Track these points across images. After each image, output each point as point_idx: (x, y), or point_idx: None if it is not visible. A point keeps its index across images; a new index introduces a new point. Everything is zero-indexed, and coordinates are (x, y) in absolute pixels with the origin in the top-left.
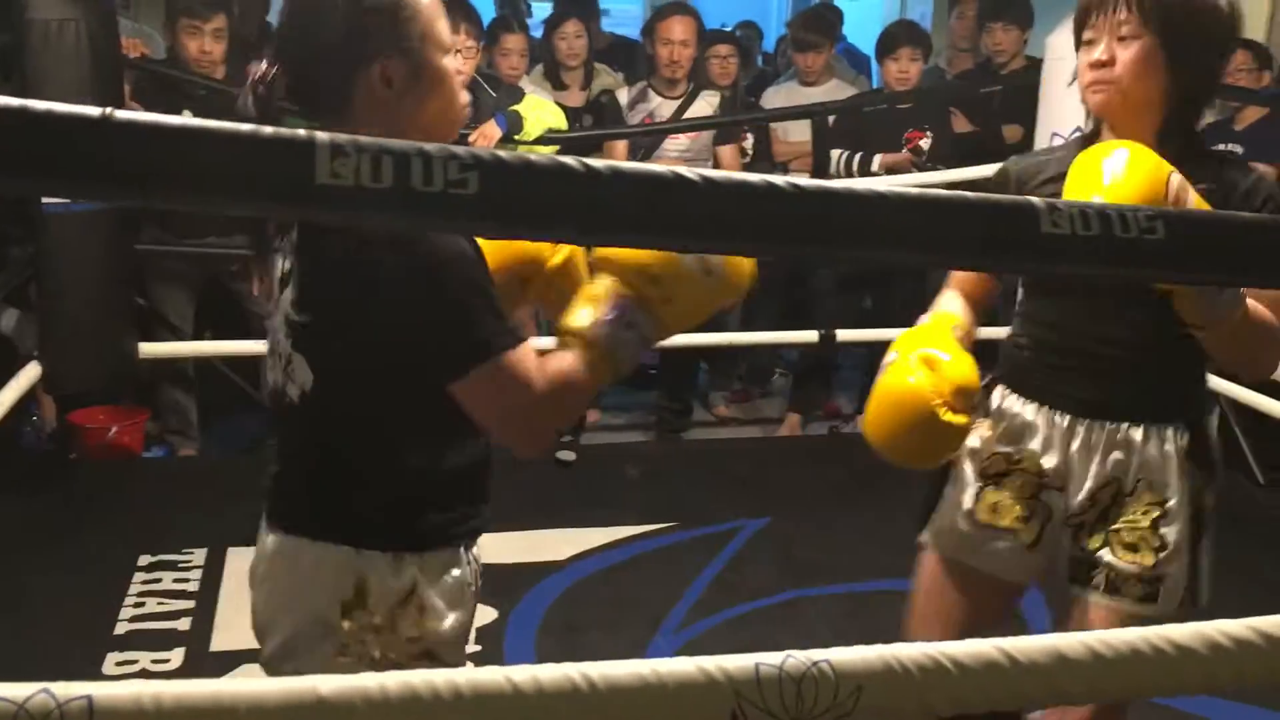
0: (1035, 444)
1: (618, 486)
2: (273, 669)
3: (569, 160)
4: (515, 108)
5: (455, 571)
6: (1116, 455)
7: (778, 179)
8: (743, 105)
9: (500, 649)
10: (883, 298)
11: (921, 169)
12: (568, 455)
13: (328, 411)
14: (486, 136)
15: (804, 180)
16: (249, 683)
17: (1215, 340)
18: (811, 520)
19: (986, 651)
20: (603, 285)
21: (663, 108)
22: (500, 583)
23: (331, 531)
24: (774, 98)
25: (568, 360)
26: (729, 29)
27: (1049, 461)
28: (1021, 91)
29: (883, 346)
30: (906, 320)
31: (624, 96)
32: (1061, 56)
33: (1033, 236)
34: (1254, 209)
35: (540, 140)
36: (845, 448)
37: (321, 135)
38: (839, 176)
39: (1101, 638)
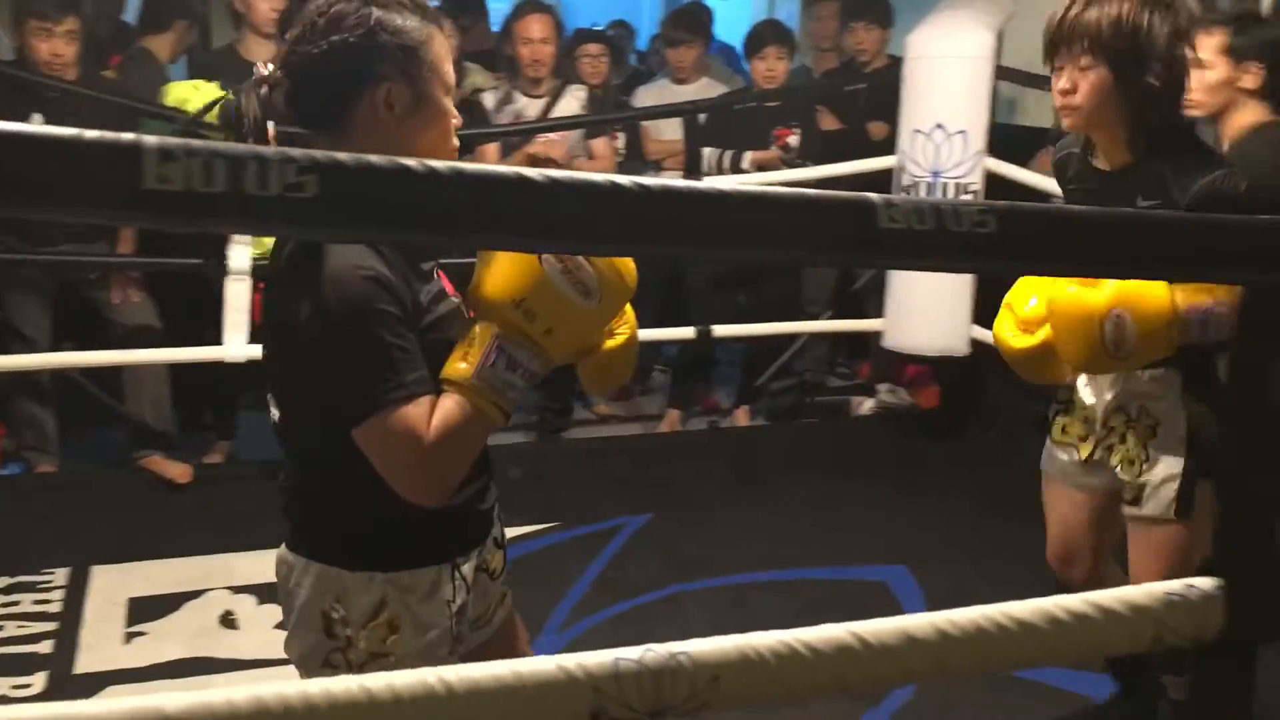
0: (1082, 380)
1: (499, 488)
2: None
3: (409, 161)
4: None
5: (435, 592)
6: (1123, 391)
7: (623, 178)
8: (614, 104)
9: None
10: (757, 294)
11: (791, 166)
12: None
13: (288, 439)
14: None
15: (649, 180)
16: (90, 704)
17: None
18: (692, 515)
19: (839, 636)
20: (479, 327)
21: (529, 108)
22: None
23: (309, 548)
24: (646, 96)
25: (454, 411)
26: (600, 28)
27: (1088, 397)
28: (885, 89)
29: (759, 341)
30: (781, 315)
31: (490, 100)
32: (920, 55)
33: (872, 232)
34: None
35: None
36: (724, 442)
37: (149, 139)
38: (711, 174)
39: (948, 617)
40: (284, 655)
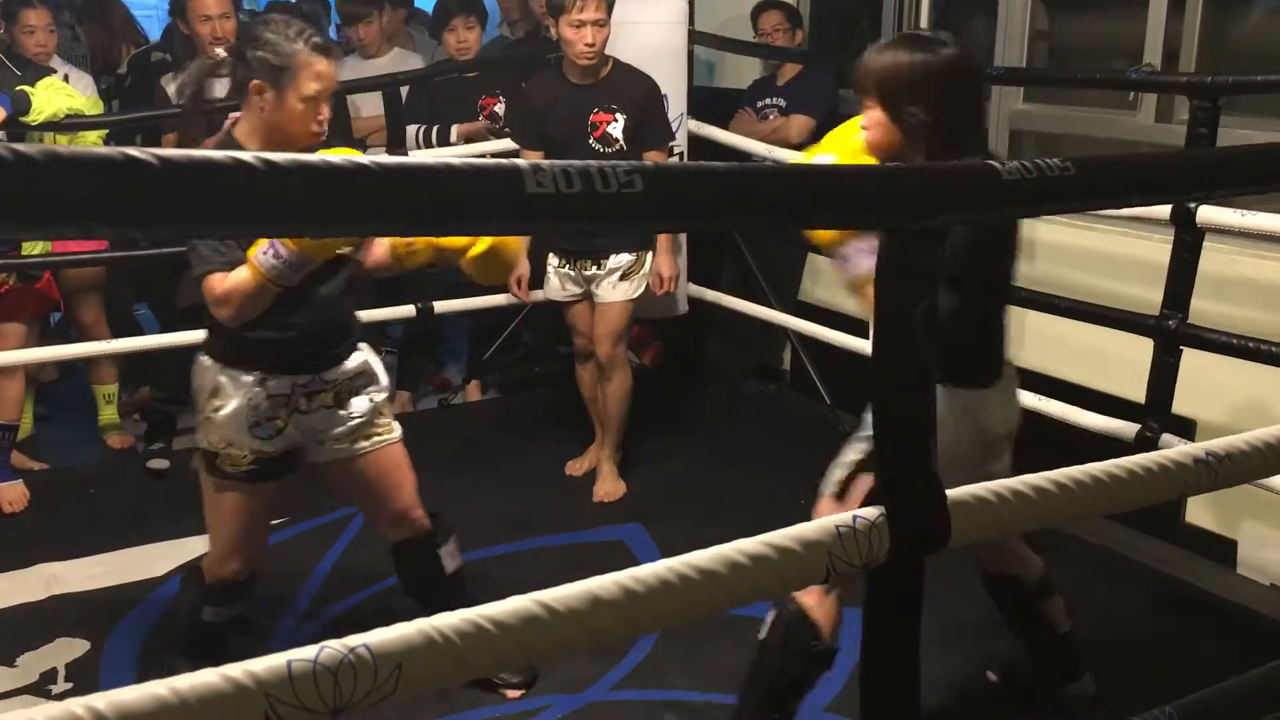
0: None
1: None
2: None
3: None
4: (23, 87)
5: (234, 382)
6: None
7: (247, 156)
8: None
9: (96, 683)
10: None
11: (499, 135)
12: (160, 464)
13: None
14: None
15: (277, 156)
16: None
17: None
18: (428, 497)
19: (525, 606)
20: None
21: (214, 88)
22: (89, 612)
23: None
24: (340, 73)
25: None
26: (293, 2)
27: None
28: None
29: (482, 314)
30: (502, 287)
31: (171, 86)
32: (618, 20)
33: (519, 197)
34: None
35: (58, 126)
36: (456, 420)
37: None
38: (418, 149)
39: (633, 574)
40: None
